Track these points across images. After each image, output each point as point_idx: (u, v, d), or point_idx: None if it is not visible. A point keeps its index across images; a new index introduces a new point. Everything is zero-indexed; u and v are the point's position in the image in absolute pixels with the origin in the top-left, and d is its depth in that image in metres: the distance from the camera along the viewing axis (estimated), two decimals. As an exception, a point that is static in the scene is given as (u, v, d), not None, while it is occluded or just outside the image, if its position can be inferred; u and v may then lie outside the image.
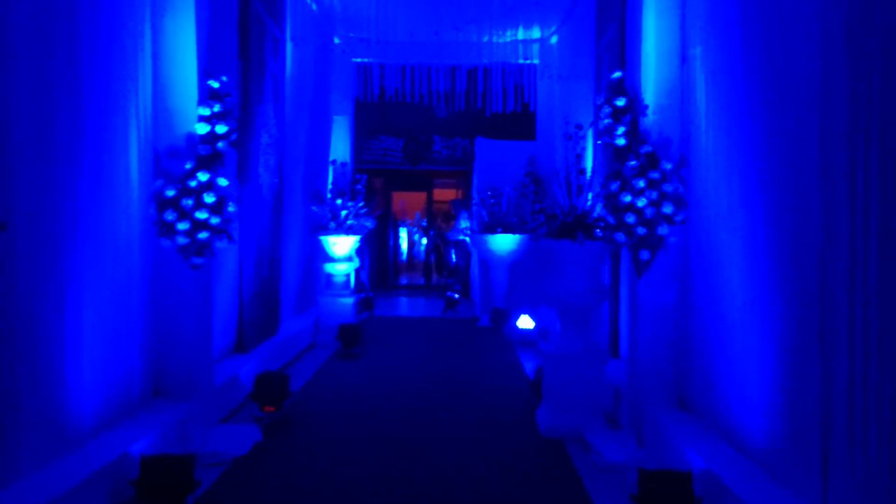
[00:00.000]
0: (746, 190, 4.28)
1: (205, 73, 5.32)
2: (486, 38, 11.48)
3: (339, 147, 12.69)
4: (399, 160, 17.68)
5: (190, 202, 4.97)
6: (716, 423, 4.76)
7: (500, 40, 11.54)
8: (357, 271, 15.39)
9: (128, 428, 4.50)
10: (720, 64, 4.62)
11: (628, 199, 5.08)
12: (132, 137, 4.81)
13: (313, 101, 10.50)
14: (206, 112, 5.21)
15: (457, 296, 13.66)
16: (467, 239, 15.92)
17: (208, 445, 5.00)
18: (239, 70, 7.09)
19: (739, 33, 4.32)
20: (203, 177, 5.04)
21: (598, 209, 5.80)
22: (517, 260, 11.85)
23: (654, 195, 5.06)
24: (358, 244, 11.60)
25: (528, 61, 12.21)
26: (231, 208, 5.16)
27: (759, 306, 4.09)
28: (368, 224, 10.15)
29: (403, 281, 20.63)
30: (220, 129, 5.21)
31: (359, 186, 11.89)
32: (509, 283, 11.83)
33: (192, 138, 5.22)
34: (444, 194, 21.60)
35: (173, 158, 5.17)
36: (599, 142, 7.37)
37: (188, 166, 5.08)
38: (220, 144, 5.21)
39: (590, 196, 5.90)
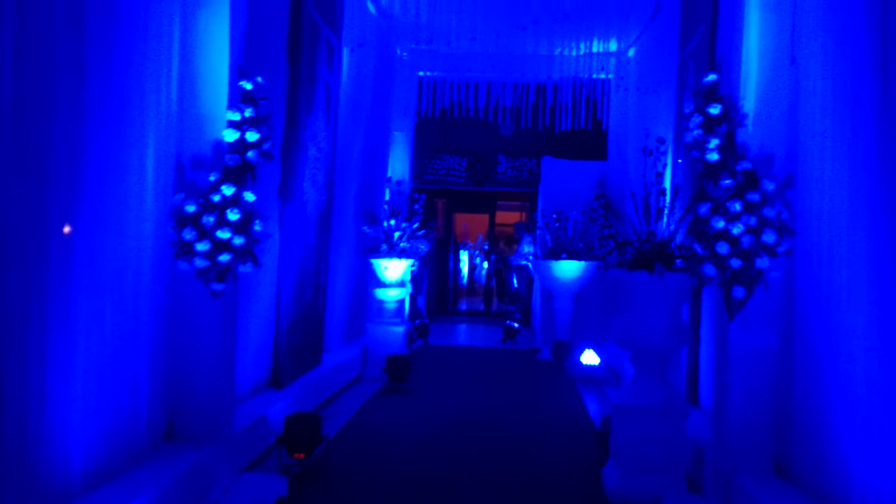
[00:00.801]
0: (876, 215, 3.45)
1: (237, 72, 4.73)
2: (557, 52, 10.78)
3: (398, 165, 12.12)
4: (462, 180, 17.05)
5: (211, 219, 4.36)
6: (826, 498, 3.90)
7: (572, 53, 10.81)
8: (413, 296, 14.79)
9: (126, 482, 3.84)
10: (845, 63, 3.78)
11: (721, 224, 4.25)
12: (150, 145, 4.23)
13: (371, 114, 9.94)
14: (235, 117, 4.62)
15: (516, 325, 12.87)
16: (530, 264, 15.19)
17: (222, 501, 4.35)
18: (287, 76, 6.53)
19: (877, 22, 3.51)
20: (228, 191, 4.43)
21: (679, 237, 5.00)
22: (582, 289, 11.02)
23: (753, 221, 4.22)
24: (414, 268, 10.97)
25: (601, 76, 11.43)
26: (258, 227, 4.53)
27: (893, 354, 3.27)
28: (423, 247, 9.47)
29: (463, 307, 19.93)
30: (251, 136, 4.61)
31: (416, 206, 11.30)
32: (573, 314, 11.00)
33: (219, 147, 4.64)
34: (508, 217, 20.92)
35: (198, 169, 4.58)
36: (680, 160, 6.56)
37: (212, 178, 4.49)
38: (249, 154, 4.60)
39: (665, 220, 5.09)
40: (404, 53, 12.03)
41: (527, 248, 15.34)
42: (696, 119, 4.49)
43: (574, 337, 10.79)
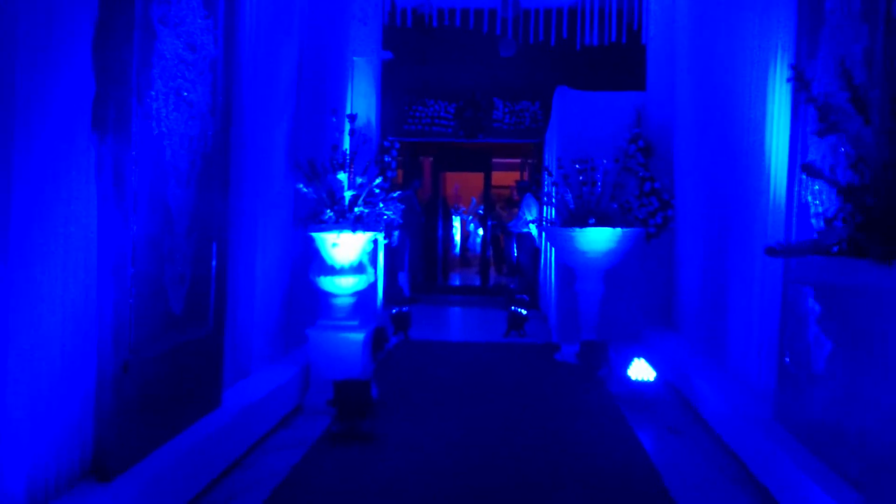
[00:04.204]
0: None
1: None
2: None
3: (362, 104, 9.02)
4: (450, 131, 13.97)
5: None
6: None
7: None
8: (393, 273, 11.82)
9: None
10: None
11: None
12: None
13: (311, 15, 6.83)
14: None
15: (524, 311, 9.84)
16: (534, 230, 12.24)
17: None
18: None
19: None
20: None
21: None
22: (618, 266, 8.02)
23: None
24: (389, 241, 8.13)
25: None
26: None
27: None
28: (390, 213, 6.36)
29: (455, 281, 17.04)
30: None
31: (388, 158, 8.39)
32: (604, 300, 8.00)
33: None
34: (506, 177, 18.38)
35: None
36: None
37: None
38: None
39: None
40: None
41: (529, 215, 12.40)
42: None
43: (607, 334, 7.82)
